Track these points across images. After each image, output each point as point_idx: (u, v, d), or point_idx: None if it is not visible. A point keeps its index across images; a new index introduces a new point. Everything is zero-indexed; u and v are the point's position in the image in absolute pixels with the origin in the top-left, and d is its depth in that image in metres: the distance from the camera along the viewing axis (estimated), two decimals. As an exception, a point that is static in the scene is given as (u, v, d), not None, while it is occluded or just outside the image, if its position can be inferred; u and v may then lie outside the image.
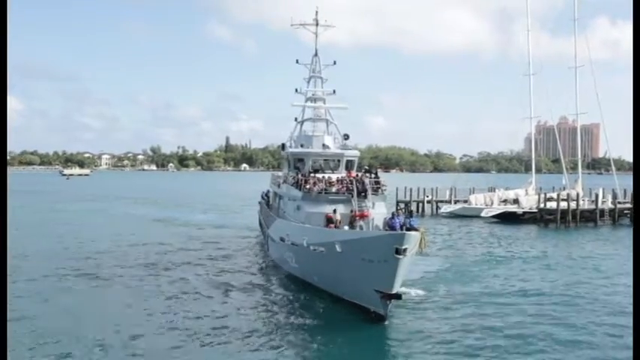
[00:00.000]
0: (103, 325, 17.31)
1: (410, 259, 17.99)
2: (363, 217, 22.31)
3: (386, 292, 17.47)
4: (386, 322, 17.75)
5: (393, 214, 21.90)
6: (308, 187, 24.93)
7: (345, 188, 24.36)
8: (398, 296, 17.82)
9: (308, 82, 32.86)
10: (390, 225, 20.94)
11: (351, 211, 22.58)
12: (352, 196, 22.99)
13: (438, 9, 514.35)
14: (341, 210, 23.03)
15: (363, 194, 23.53)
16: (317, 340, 16.16)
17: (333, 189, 24.70)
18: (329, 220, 22.53)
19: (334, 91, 32.26)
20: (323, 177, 25.95)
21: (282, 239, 23.99)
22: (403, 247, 16.76)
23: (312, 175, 26.24)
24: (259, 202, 39.75)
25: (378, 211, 23.28)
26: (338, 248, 18.77)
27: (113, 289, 22.36)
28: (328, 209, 23.10)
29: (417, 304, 20.18)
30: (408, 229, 19.59)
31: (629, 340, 15.22)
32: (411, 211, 23.37)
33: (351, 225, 22.17)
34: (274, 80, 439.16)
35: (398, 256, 16.79)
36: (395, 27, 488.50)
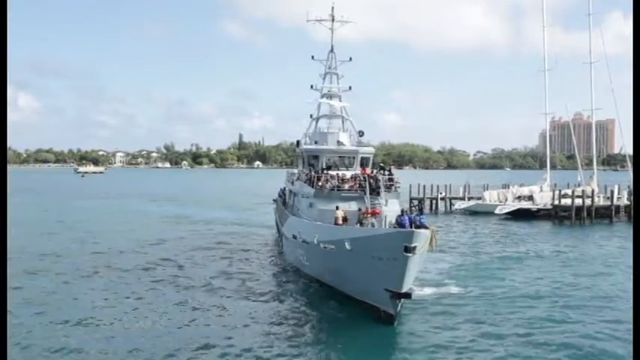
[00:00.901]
0: (109, 323, 17.43)
1: (420, 257, 17.72)
2: (374, 214, 21.97)
3: (395, 291, 17.18)
4: (396, 323, 17.45)
5: (402, 211, 21.76)
6: (320, 184, 24.89)
7: (357, 185, 24.23)
8: (408, 295, 17.50)
9: (324, 78, 32.45)
10: (399, 222, 20.58)
11: (359, 209, 22.46)
12: (365, 194, 22.88)
13: (448, 5, 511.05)
14: (353, 207, 22.98)
15: (376, 191, 23.29)
16: (324, 341, 16.09)
17: (346, 186, 24.60)
18: (342, 218, 22.37)
19: (350, 88, 31.99)
20: (337, 174, 25.95)
21: (294, 237, 24.02)
22: (412, 245, 16.51)
23: (324, 172, 26.20)
24: (274, 200, 39.97)
25: (392, 208, 22.85)
26: (347, 246, 18.60)
27: (120, 287, 22.45)
28: (341, 206, 23.04)
29: (429, 303, 19.96)
30: (418, 227, 19.37)
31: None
32: (422, 208, 22.88)
33: (360, 223, 21.87)
34: (286, 77, 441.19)
35: (407, 255, 16.52)
36: (406, 23, 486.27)
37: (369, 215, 21.90)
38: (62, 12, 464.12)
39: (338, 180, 25.13)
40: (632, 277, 24.65)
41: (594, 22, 57.41)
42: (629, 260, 29.52)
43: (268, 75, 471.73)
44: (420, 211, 22.18)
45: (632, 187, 52.18)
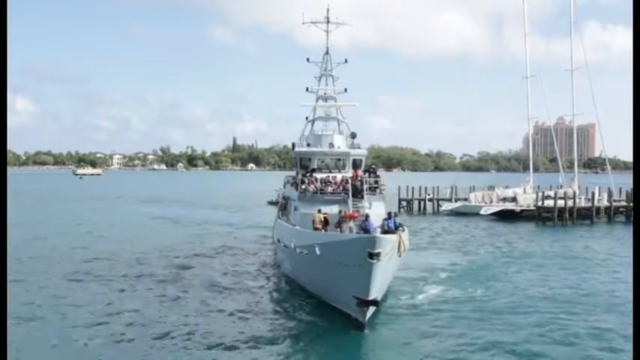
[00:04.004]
0: (99, 327, 17.21)
1: (389, 263, 17.06)
2: (351, 218, 21.25)
3: (362, 299, 16.55)
4: (367, 331, 16.73)
5: (366, 216, 20.75)
6: (304, 187, 24.43)
7: (341, 188, 23.84)
8: (375, 303, 16.81)
9: (319, 80, 31.76)
10: (363, 228, 19.88)
11: (340, 212, 21.89)
12: (348, 197, 22.42)
13: (431, 12, 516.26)
14: (335, 211, 22.41)
15: (360, 194, 22.85)
16: (287, 349, 15.56)
17: (329, 189, 24.11)
18: (323, 222, 21.59)
19: (346, 90, 31.55)
20: (328, 176, 25.75)
21: (278, 241, 24.03)
22: (376, 252, 15.91)
23: (309, 174, 25.70)
24: (269, 202, 40.16)
25: (376, 211, 22.32)
26: (317, 251, 18.10)
27: (114, 289, 22.34)
28: (324, 210, 22.43)
29: (408, 309, 19.31)
30: (386, 232, 18.85)
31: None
32: (390, 212, 21.99)
33: (339, 227, 21.06)
34: (278, 82, 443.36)
35: (371, 261, 15.97)
36: (390, 30, 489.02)
37: (347, 219, 21.23)
38: (53, 18, 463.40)
39: (321, 183, 24.70)
40: (616, 276, 25.56)
41: (575, 30, 59.18)
42: (613, 258, 30.62)
43: (260, 79, 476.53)
44: (389, 215, 21.23)
45: (612, 189, 54.23)
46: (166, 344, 15.79)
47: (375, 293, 16.75)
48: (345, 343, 16.20)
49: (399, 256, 17.90)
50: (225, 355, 15.10)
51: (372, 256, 15.94)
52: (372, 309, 17.10)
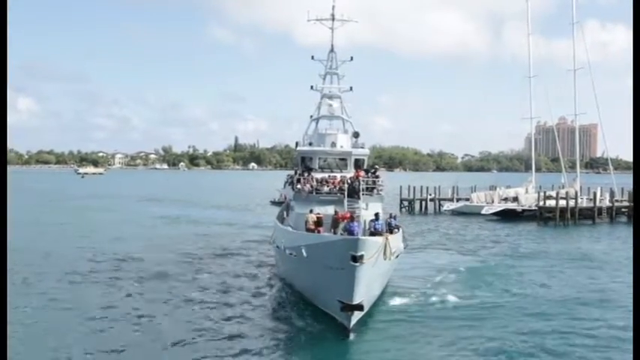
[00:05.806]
0: (95, 326, 17.23)
1: (375, 267, 16.43)
2: (344, 218, 20.76)
3: (346, 303, 15.99)
4: (352, 336, 16.17)
5: (352, 217, 20.25)
6: (299, 186, 24.03)
7: (338, 188, 23.48)
8: (360, 307, 16.21)
9: (324, 78, 31.07)
10: (347, 229, 19.45)
11: (335, 213, 21.49)
12: (344, 197, 22.09)
13: (429, 11, 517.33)
14: (330, 211, 22.03)
15: (357, 195, 22.53)
16: (273, 355, 15.26)
17: (325, 189, 23.66)
18: (317, 223, 21.08)
19: (351, 88, 30.82)
20: (329, 176, 25.32)
21: (273, 241, 23.82)
22: (359, 254, 15.38)
23: (305, 174, 25.38)
24: (271, 202, 40.23)
25: (373, 212, 21.78)
26: (304, 253, 17.58)
27: (110, 289, 22.25)
28: (318, 210, 22.05)
29: (399, 314, 18.75)
30: (373, 234, 18.49)
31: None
32: (377, 213, 21.21)
33: (333, 228, 20.68)
34: (278, 80, 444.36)
35: (354, 264, 15.44)
36: (390, 29, 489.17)
37: (339, 220, 20.80)
38: (53, 16, 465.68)
39: (319, 182, 24.23)
40: (617, 276, 25.60)
41: (576, 29, 59.12)
42: (615, 259, 30.59)
43: (260, 79, 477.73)
44: (376, 216, 20.62)
45: (614, 189, 54.19)
46: (152, 346, 15.74)
47: (360, 297, 16.12)
48: (330, 350, 15.72)
49: (385, 259, 17.14)
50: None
51: (355, 259, 15.42)
52: (357, 314, 16.51)
